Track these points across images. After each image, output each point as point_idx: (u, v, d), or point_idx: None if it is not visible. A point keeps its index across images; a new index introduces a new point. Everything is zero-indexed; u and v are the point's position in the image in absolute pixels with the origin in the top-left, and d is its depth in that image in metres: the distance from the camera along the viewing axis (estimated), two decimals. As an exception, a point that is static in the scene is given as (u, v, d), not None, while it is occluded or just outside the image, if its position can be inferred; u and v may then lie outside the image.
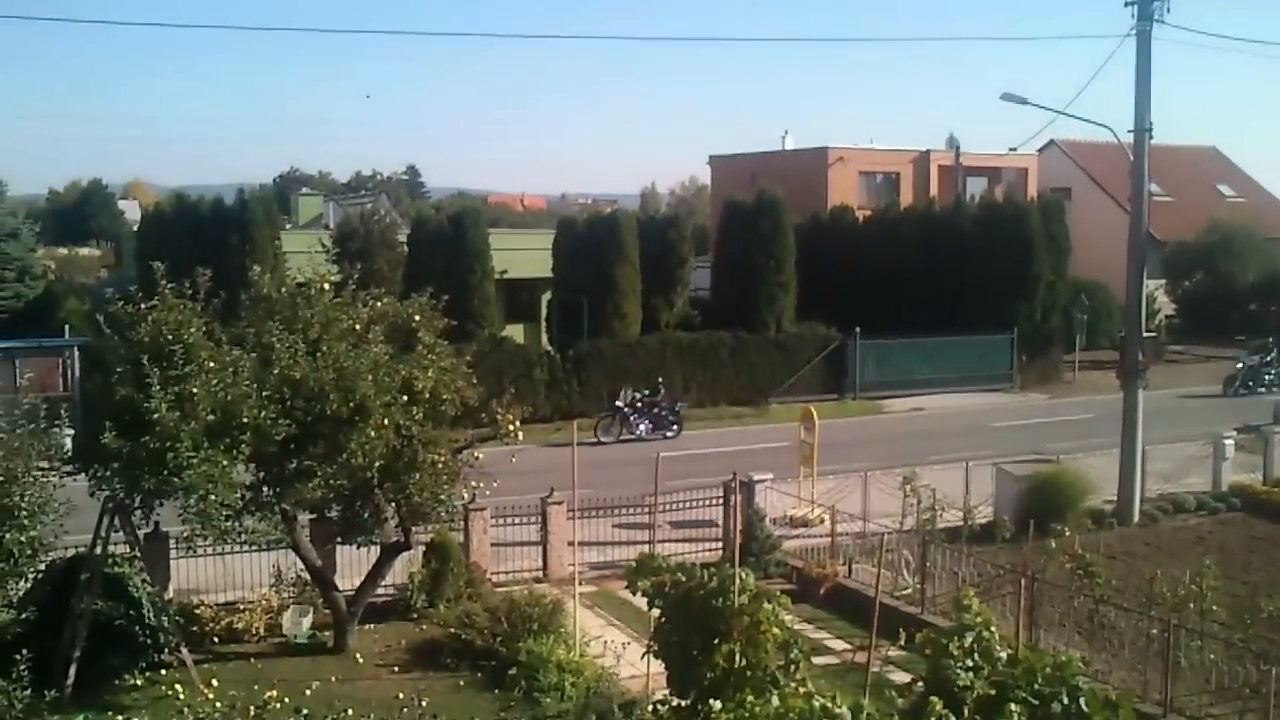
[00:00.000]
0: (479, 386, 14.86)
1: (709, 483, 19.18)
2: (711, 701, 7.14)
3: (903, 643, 10.07)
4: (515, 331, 37.21)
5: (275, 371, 13.05)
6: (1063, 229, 39.29)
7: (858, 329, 35.16)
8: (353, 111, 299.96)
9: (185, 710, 9.79)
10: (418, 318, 14.64)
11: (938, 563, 16.11)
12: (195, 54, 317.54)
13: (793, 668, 8.36)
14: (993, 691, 6.93)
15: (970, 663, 7.12)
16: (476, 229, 34.44)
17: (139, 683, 12.89)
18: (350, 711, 10.35)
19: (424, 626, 15.40)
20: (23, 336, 30.86)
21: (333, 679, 13.57)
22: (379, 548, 14.92)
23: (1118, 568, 17.06)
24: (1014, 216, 38.24)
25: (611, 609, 16.30)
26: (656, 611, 9.07)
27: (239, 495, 12.89)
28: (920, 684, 7.43)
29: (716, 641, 8.34)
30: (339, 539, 15.16)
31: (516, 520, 17.70)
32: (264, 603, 15.48)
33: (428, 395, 13.96)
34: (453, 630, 14.62)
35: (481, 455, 14.94)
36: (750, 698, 7.04)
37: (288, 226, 45.91)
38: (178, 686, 12.17)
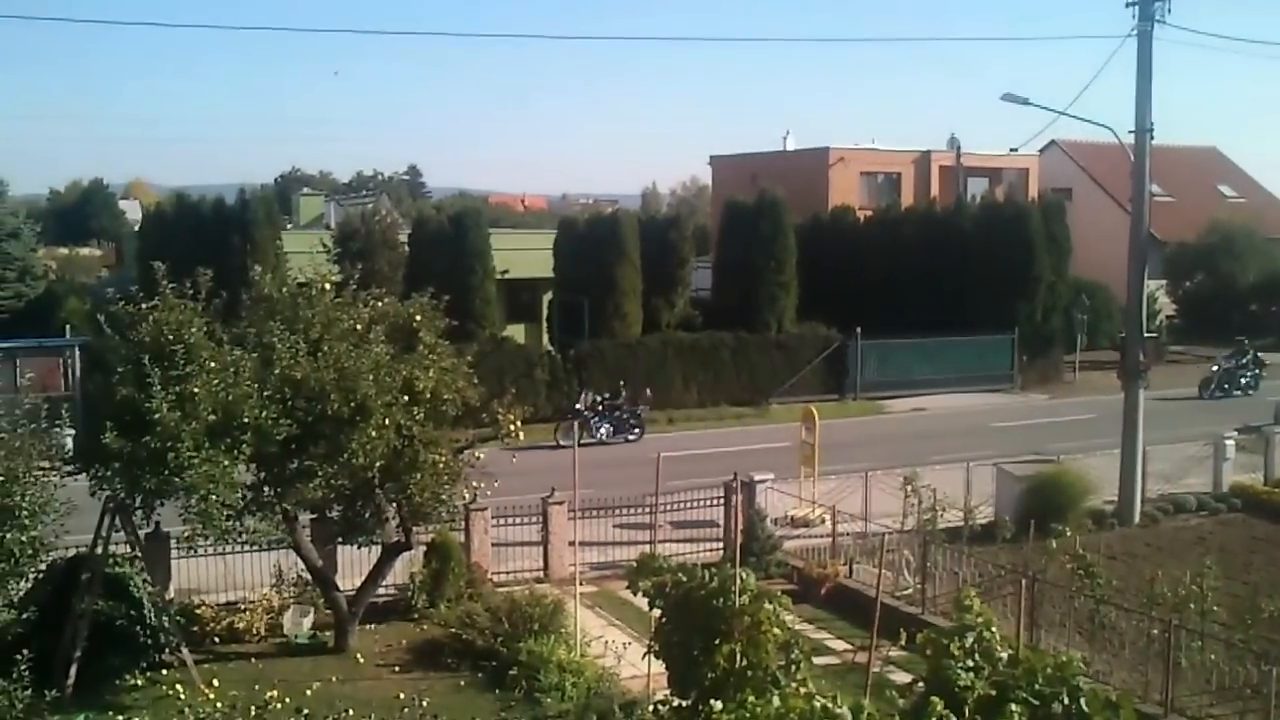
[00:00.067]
0: (480, 387, 14.87)
1: (710, 483, 19.19)
2: (712, 702, 7.15)
3: (903, 643, 10.04)
4: (516, 331, 37.22)
5: (276, 371, 13.07)
6: (1064, 229, 39.31)
7: (859, 329, 35.15)
8: (353, 111, 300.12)
9: (186, 710, 9.76)
10: (419, 318, 14.64)
11: (938, 563, 16.11)
12: (195, 54, 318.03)
13: (793, 668, 8.38)
14: (993, 692, 6.94)
15: (971, 663, 7.12)
16: (477, 229, 34.49)
17: (140, 683, 12.85)
18: (351, 712, 10.33)
19: (425, 627, 15.40)
20: (23, 336, 30.86)
21: (334, 679, 13.59)
22: (380, 548, 14.93)
23: (1118, 568, 17.06)
24: (1015, 217, 38.27)
25: (612, 609, 16.30)
26: (657, 612, 9.09)
27: (240, 495, 12.92)
28: (921, 684, 7.43)
29: (717, 642, 8.36)
30: (340, 539, 15.17)
31: (517, 520, 17.71)
32: (265, 603, 15.48)
33: (429, 395, 13.97)
34: (454, 630, 14.62)
35: (482, 455, 14.96)
36: (751, 698, 7.06)
37: (289, 226, 45.98)
38: (178, 686, 12.12)
